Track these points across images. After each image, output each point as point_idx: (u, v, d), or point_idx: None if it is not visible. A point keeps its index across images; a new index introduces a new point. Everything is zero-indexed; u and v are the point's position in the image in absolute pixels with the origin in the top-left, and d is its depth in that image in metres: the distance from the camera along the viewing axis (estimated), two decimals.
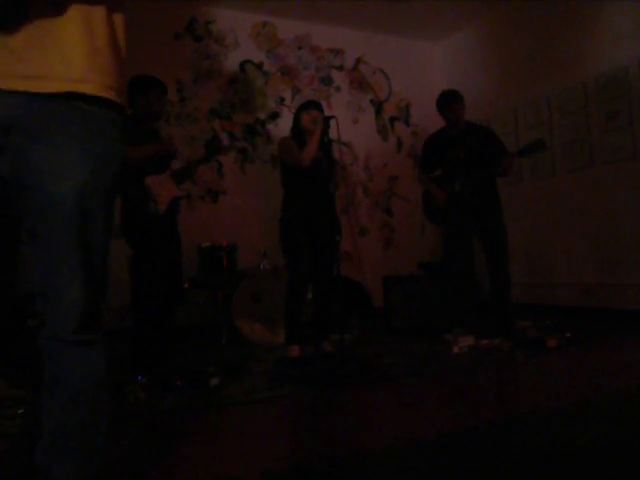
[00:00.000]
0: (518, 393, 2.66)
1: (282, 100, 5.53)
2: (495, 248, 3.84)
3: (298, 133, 3.60)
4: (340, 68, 5.85)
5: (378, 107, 6.04)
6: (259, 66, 5.45)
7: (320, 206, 3.52)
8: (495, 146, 3.84)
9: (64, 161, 1.16)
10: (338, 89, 5.82)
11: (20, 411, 2.48)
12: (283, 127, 5.47)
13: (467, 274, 3.90)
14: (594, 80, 4.58)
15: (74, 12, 1.13)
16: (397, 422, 2.18)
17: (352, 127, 5.75)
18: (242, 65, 5.38)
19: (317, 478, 1.66)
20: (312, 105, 3.62)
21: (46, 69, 1.12)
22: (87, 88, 1.16)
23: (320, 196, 3.53)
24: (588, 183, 4.65)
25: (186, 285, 4.42)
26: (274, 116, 5.47)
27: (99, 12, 1.18)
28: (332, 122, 3.43)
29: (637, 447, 1.77)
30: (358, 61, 5.95)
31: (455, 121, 3.87)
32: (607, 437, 1.87)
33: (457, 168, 3.83)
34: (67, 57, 1.12)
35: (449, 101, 3.89)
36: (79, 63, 1.14)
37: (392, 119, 6.11)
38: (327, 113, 3.76)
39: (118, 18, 1.27)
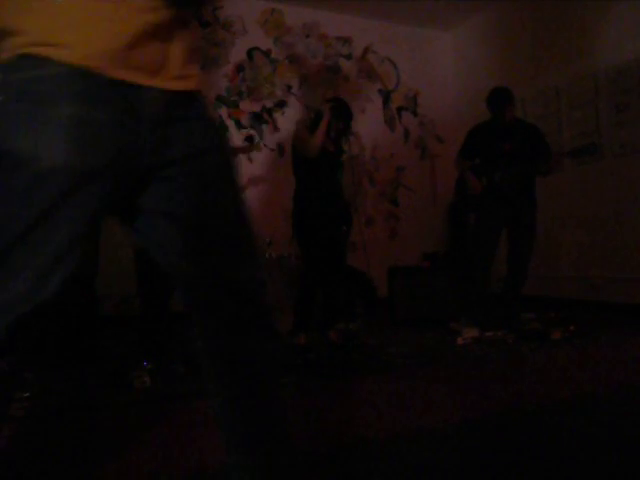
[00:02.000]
0: (522, 384, 2.66)
1: (289, 88, 5.50)
2: (521, 244, 3.78)
3: (317, 122, 3.60)
4: (348, 57, 5.81)
5: (386, 97, 6.00)
6: (267, 53, 5.42)
7: (331, 196, 3.53)
8: (540, 144, 3.79)
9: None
10: (346, 78, 5.78)
11: (26, 394, 2.50)
12: (290, 115, 5.46)
13: (485, 269, 3.84)
14: (604, 72, 4.54)
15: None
16: (401, 411, 2.18)
17: (359, 117, 5.71)
18: (250, 52, 5.35)
19: (321, 464, 1.67)
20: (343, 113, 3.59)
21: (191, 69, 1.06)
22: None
23: (331, 186, 3.54)
24: (596, 176, 4.62)
25: None
26: (281, 104, 5.45)
27: None
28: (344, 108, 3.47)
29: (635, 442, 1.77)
30: (366, 50, 5.91)
31: (503, 120, 3.82)
32: (610, 429, 1.87)
33: (500, 160, 3.79)
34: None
35: (503, 102, 3.80)
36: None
37: (400, 109, 6.07)
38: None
39: None
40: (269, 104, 5.39)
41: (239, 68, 5.29)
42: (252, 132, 5.30)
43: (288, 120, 5.45)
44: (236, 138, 5.21)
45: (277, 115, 5.42)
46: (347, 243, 3.56)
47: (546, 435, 1.83)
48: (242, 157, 4.82)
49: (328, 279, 3.69)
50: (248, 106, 5.30)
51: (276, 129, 5.40)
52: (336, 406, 2.37)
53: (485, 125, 3.98)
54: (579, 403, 2.19)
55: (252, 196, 5.18)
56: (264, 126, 5.36)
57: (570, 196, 4.84)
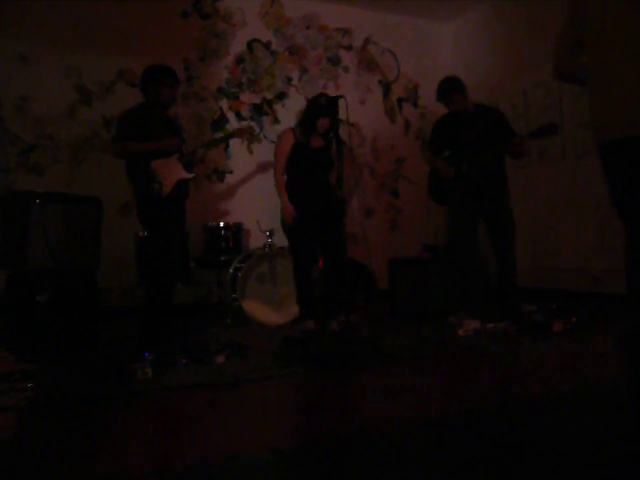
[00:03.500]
0: (523, 376, 2.67)
1: (289, 80, 5.48)
2: (501, 232, 3.83)
3: (308, 122, 3.62)
4: (348, 48, 5.79)
5: (386, 88, 5.99)
6: (267, 45, 5.40)
7: (318, 191, 3.58)
8: (504, 128, 3.81)
9: None
10: (346, 69, 5.77)
11: (29, 384, 2.51)
12: (290, 107, 5.45)
13: (470, 257, 3.89)
14: None
15: None
16: (401, 402, 2.19)
17: (360, 108, 5.71)
18: (250, 44, 5.33)
19: (323, 455, 1.68)
20: (328, 109, 3.58)
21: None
22: None
23: (315, 184, 3.58)
24: (598, 168, 4.59)
25: (192, 264, 4.45)
26: (281, 96, 5.43)
27: None
28: (341, 102, 3.44)
29: (634, 433, 1.78)
30: (366, 41, 5.89)
31: (456, 111, 3.84)
32: (611, 421, 1.88)
33: (466, 149, 3.81)
34: None
35: (448, 91, 3.82)
36: None
37: (400, 100, 6.06)
38: (335, 94, 3.75)
39: None
40: (269, 96, 5.38)
41: (239, 60, 5.27)
42: (252, 124, 5.29)
43: (288, 112, 5.44)
44: None
45: (277, 107, 5.41)
46: (342, 236, 3.64)
47: (546, 427, 1.84)
48: (242, 145, 4.81)
49: (328, 271, 3.72)
50: (248, 98, 5.29)
51: (277, 121, 5.39)
52: (336, 397, 2.38)
53: (448, 116, 4.00)
54: (580, 395, 2.19)
55: (253, 188, 5.18)
56: (264, 118, 5.35)
57: (572, 188, 4.83)
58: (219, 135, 4.88)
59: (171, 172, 3.44)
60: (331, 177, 3.75)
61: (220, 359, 2.91)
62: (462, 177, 3.82)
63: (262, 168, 5.21)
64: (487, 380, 2.56)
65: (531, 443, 1.69)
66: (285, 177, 3.75)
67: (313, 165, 3.61)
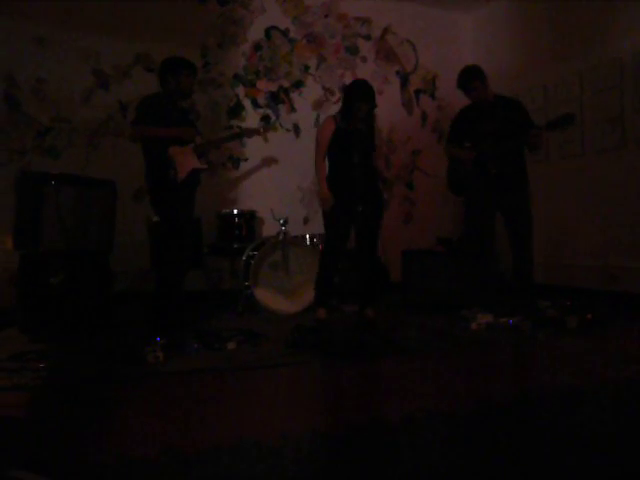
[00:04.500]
0: (535, 371, 2.63)
1: (307, 68, 5.44)
2: (517, 226, 3.79)
3: (349, 114, 3.58)
4: (367, 37, 5.73)
5: (404, 79, 5.92)
6: (285, 33, 5.35)
7: (360, 178, 3.52)
8: (524, 119, 3.75)
9: None
10: (364, 59, 5.70)
11: (41, 365, 2.52)
12: (307, 96, 5.41)
13: (485, 251, 3.86)
14: (631, 56, 4.42)
15: None
16: (414, 393, 2.17)
17: (377, 98, 5.62)
18: (268, 31, 5.28)
19: (336, 443, 1.66)
20: (365, 97, 3.55)
21: None
22: None
23: (360, 168, 3.53)
24: (618, 165, 4.52)
25: (205, 250, 4.45)
26: (298, 84, 5.39)
27: None
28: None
29: None
30: (385, 31, 5.82)
31: (477, 100, 3.79)
32: (624, 418, 1.85)
33: (485, 140, 3.76)
34: None
35: (468, 78, 3.81)
36: None
37: (418, 92, 5.99)
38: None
39: None
40: (286, 84, 5.34)
41: (257, 47, 5.23)
42: (268, 112, 5.26)
43: (305, 101, 5.40)
44: (252, 117, 5.17)
45: (294, 95, 5.37)
46: (376, 224, 3.63)
47: (558, 422, 1.81)
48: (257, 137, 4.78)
49: (361, 258, 3.70)
50: (265, 85, 5.26)
51: (293, 109, 5.35)
52: (349, 387, 2.36)
53: (468, 108, 3.96)
54: (594, 391, 2.15)
55: (268, 176, 5.15)
56: (280, 106, 5.31)
57: (590, 184, 4.74)
58: (236, 129, 4.83)
59: (186, 160, 3.51)
60: (374, 161, 3.71)
61: (231, 345, 2.90)
62: (480, 168, 3.78)
63: (277, 157, 5.18)
64: (500, 374, 2.53)
65: (543, 438, 1.66)
66: (326, 164, 3.71)
67: (356, 150, 3.56)
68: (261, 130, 4.41)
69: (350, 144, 3.55)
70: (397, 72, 5.88)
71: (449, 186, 4.10)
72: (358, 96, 3.55)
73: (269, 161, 5.18)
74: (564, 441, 1.63)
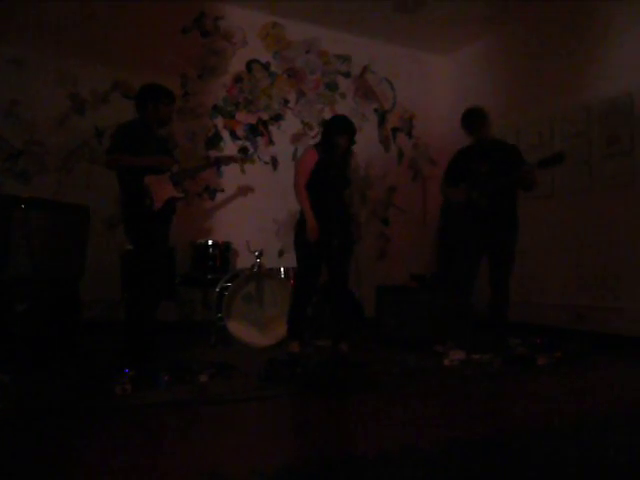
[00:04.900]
0: (507, 407, 2.64)
1: (286, 102, 5.50)
2: (501, 263, 3.83)
3: (328, 147, 3.64)
4: (346, 75, 5.85)
5: (381, 117, 6.03)
6: (266, 66, 5.43)
7: (329, 212, 3.56)
8: (517, 161, 3.81)
9: None
10: (343, 96, 5.81)
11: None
12: (286, 129, 5.46)
13: (466, 290, 3.89)
14: (598, 104, 4.60)
15: None
16: (388, 429, 2.14)
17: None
18: (249, 64, 5.35)
19: (309, 479, 1.62)
20: (346, 131, 3.63)
21: None
22: None
23: (331, 202, 3.57)
24: (586, 206, 4.66)
25: (178, 280, 4.38)
26: (277, 117, 5.44)
27: None
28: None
29: (619, 465, 1.75)
30: (365, 69, 5.95)
31: (478, 141, 3.89)
32: (593, 455, 1.85)
33: (478, 180, 3.82)
34: None
35: (478, 120, 3.88)
36: None
37: (395, 130, 6.11)
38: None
39: None
40: (265, 116, 5.39)
41: (237, 79, 5.28)
42: (247, 143, 5.28)
43: (283, 134, 5.44)
44: (230, 148, 5.18)
45: (273, 128, 5.42)
46: (348, 257, 3.66)
47: (528, 458, 1.81)
48: (235, 164, 4.78)
49: (332, 292, 3.73)
50: (244, 117, 5.29)
51: (271, 142, 5.39)
52: (322, 421, 2.32)
53: (465, 149, 4.05)
54: (562, 427, 2.17)
55: (244, 207, 5.14)
56: (259, 138, 5.34)
57: (559, 225, 4.87)
58: (212, 157, 4.82)
59: (163, 189, 3.47)
60: (345, 196, 3.75)
61: (203, 378, 2.83)
62: (472, 206, 3.83)
63: (250, 187, 5.18)
64: (472, 409, 2.52)
65: (515, 473, 1.65)
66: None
67: (332, 183, 3.60)
68: (237, 157, 4.42)
69: (327, 177, 3.59)
70: (375, 110, 6.00)
71: (440, 232, 4.19)
72: (339, 130, 3.60)
73: (245, 190, 5.17)
74: (538, 477, 1.62)
